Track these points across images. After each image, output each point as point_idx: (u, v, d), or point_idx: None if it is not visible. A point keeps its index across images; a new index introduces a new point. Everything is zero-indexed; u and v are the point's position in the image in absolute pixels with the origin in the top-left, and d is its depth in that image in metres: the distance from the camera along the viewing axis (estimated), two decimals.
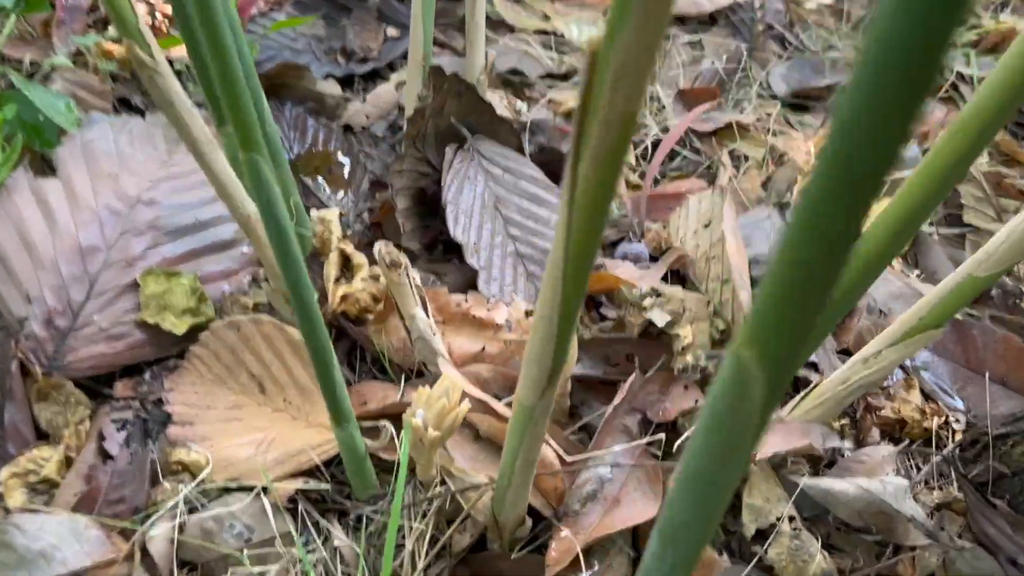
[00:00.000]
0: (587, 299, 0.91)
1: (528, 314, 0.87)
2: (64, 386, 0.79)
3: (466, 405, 0.65)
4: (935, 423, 0.92)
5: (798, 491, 0.77)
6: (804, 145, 1.29)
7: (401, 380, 0.81)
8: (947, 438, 0.92)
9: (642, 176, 1.22)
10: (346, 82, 1.27)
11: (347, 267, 0.85)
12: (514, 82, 1.32)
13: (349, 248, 0.84)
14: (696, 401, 0.78)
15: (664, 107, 1.31)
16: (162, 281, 0.87)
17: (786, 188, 1.17)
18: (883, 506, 0.78)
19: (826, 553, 0.76)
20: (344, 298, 0.81)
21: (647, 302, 0.80)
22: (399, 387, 0.80)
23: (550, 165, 1.01)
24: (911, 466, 0.88)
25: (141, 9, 0.96)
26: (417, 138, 0.91)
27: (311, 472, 0.76)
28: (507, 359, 0.86)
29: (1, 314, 0.83)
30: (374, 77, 1.29)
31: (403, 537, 0.72)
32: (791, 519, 0.77)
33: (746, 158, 1.25)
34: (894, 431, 0.93)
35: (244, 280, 0.93)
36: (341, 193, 1.05)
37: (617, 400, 0.76)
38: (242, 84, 0.49)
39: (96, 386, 0.83)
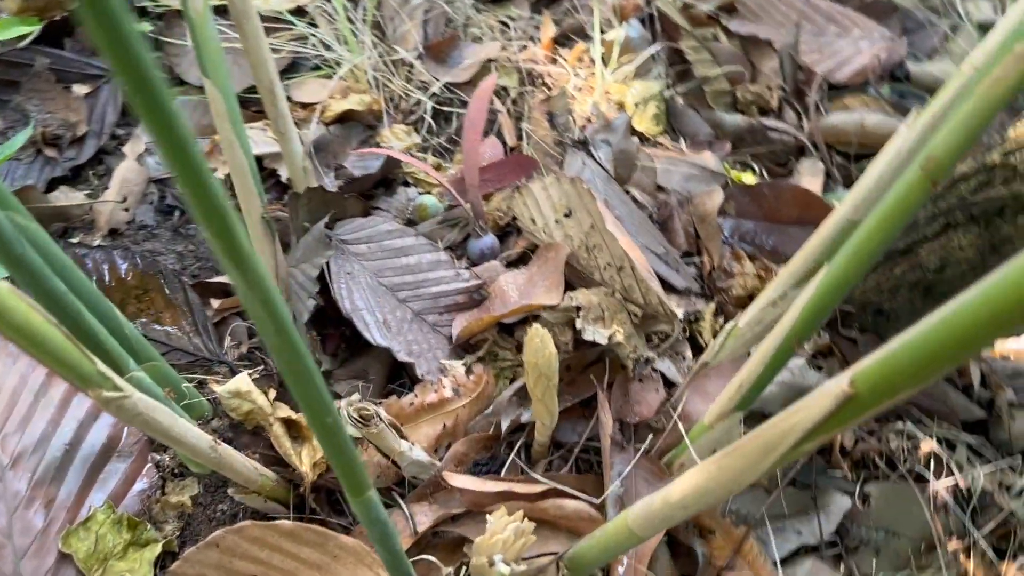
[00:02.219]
0: (501, 328, 0.95)
1: (468, 370, 0.90)
2: None
3: (530, 526, 0.70)
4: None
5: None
6: (540, 51, 1.34)
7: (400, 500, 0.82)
8: None
9: (437, 153, 1.21)
10: (73, 177, 1.06)
11: (292, 427, 0.80)
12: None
13: (287, 412, 0.79)
14: (657, 391, 0.88)
15: (412, 66, 1.27)
16: (84, 534, 0.77)
17: (568, 120, 1.23)
18: (798, 388, 0.97)
19: None
20: (316, 463, 0.78)
21: (579, 325, 0.87)
22: (408, 515, 0.81)
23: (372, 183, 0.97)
24: None
25: None
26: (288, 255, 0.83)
27: None
28: (466, 422, 0.89)
29: None
30: (100, 158, 1.10)
31: None
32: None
33: (504, 90, 1.27)
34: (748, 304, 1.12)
35: (152, 477, 0.84)
36: (176, 329, 0.94)
37: (606, 424, 0.84)
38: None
39: None
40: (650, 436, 0.87)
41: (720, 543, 0.89)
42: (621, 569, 0.79)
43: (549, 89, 1.25)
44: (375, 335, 0.85)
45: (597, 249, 0.94)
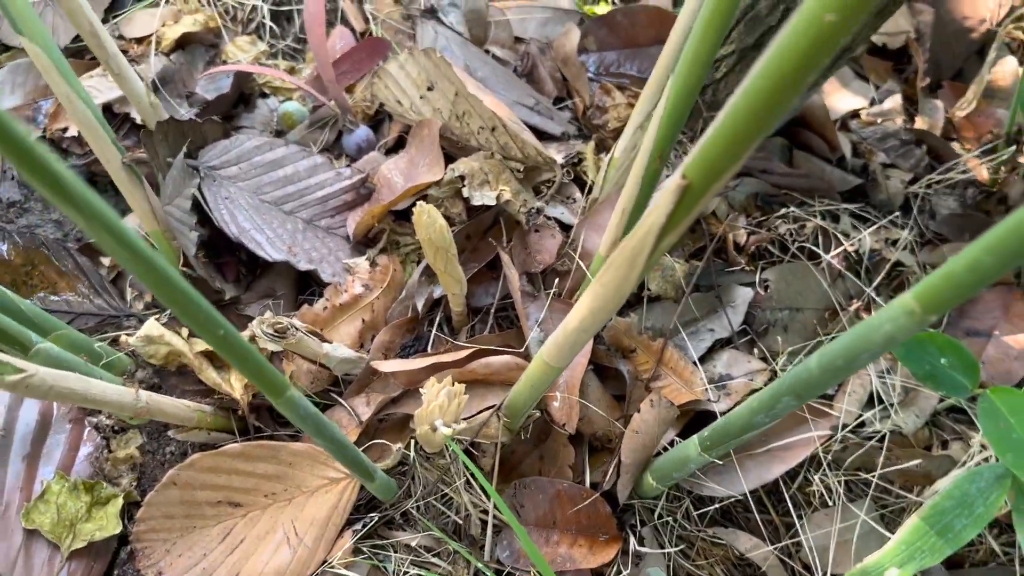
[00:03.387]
0: (396, 216, 0.97)
1: (372, 264, 0.92)
2: None
3: (460, 387, 0.75)
4: None
5: None
6: None
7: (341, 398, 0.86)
8: None
9: (287, 56, 1.18)
10: None
11: (213, 357, 0.83)
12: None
13: (203, 344, 0.81)
14: (554, 236, 0.93)
15: None
16: (44, 507, 0.80)
17: None
18: None
19: (672, 258, 1.01)
20: (246, 384, 0.81)
21: (466, 192, 0.90)
22: (349, 410, 0.85)
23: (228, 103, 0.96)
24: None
25: None
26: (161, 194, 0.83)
27: (349, 521, 0.84)
28: (384, 312, 0.93)
29: None
30: None
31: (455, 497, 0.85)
32: None
33: None
34: None
35: (95, 439, 0.86)
36: (74, 295, 0.93)
37: (513, 279, 0.88)
38: None
39: None
40: (556, 280, 0.92)
41: (642, 358, 0.96)
42: (556, 403, 0.86)
43: None
44: (269, 251, 0.86)
45: (467, 115, 0.96)
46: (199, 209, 0.85)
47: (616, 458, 0.86)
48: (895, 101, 1.34)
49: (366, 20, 1.18)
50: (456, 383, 0.74)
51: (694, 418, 0.93)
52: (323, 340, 0.82)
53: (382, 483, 0.78)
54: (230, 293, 0.88)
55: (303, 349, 0.79)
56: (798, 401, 0.57)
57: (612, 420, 0.92)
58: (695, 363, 0.97)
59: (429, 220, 0.75)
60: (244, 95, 1.11)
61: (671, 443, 0.88)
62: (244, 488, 0.83)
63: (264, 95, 1.12)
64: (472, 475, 0.85)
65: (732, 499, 0.87)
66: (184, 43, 1.11)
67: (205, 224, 0.86)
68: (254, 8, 1.17)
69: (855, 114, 1.32)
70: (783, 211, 1.09)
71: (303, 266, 0.88)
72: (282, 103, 1.10)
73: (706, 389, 0.94)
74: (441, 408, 0.73)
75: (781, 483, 0.93)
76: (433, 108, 0.98)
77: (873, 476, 0.92)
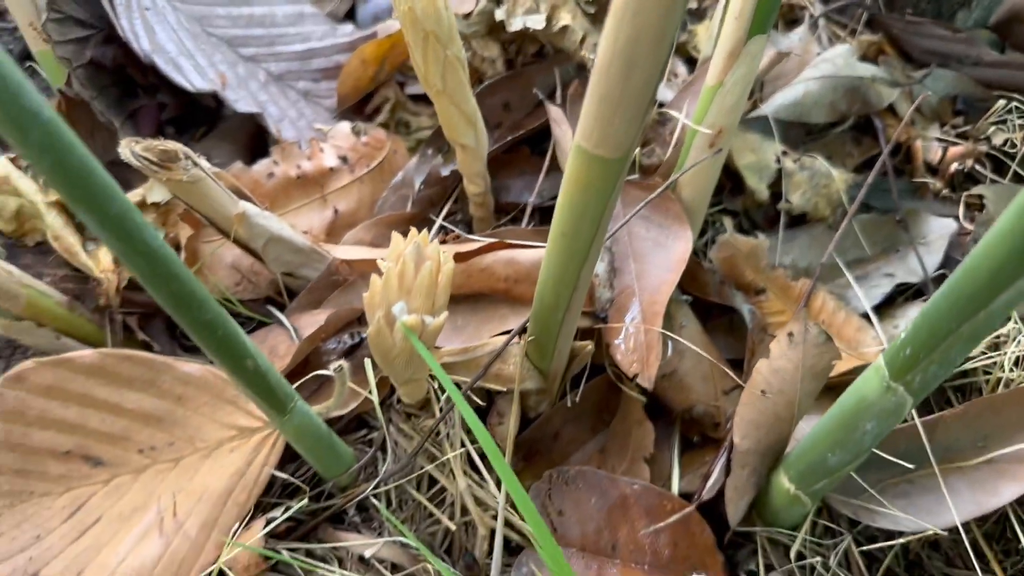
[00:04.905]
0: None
1: (356, 132, 0.62)
2: None
3: (450, 251, 0.43)
4: None
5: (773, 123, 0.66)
6: None
7: (280, 314, 0.55)
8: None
9: None
10: None
11: (81, 224, 0.54)
12: None
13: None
14: None
15: None
16: None
17: None
18: (846, 81, 0.68)
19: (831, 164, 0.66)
20: (118, 260, 0.52)
21: (499, 15, 0.59)
22: (287, 324, 0.54)
23: None
24: (820, 36, 0.79)
25: None
26: None
27: (262, 507, 0.51)
28: (372, 201, 0.62)
29: None
30: None
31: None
32: (784, 153, 0.66)
33: None
34: None
35: None
36: None
37: (561, 140, 0.56)
38: None
39: None
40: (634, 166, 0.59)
41: (774, 304, 0.61)
42: (621, 341, 0.51)
43: None
44: (192, 79, 0.58)
45: None
46: (105, 19, 0.58)
47: (727, 444, 0.50)
48: None
49: None
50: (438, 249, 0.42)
51: None
52: (245, 199, 0.51)
53: (306, 429, 0.45)
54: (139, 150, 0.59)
55: (201, 201, 0.49)
56: None
57: (721, 391, 0.57)
58: (867, 317, 0.60)
59: None
60: None
61: None
62: (108, 434, 0.52)
63: None
64: (476, 448, 0.51)
65: (925, 536, 0.50)
66: None
67: (112, 42, 0.59)
68: None
69: None
70: (999, 116, 0.72)
71: (243, 106, 0.59)
72: None
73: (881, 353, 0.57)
74: (404, 280, 0.41)
75: (1011, 514, 0.54)
76: None
77: None
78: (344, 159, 0.61)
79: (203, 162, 0.49)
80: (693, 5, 0.76)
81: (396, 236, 0.42)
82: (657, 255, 0.56)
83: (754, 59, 0.49)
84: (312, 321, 0.55)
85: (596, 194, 0.36)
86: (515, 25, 0.59)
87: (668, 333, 0.52)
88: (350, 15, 0.80)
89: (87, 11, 0.59)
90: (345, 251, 0.53)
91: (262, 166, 0.57)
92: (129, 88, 0.61)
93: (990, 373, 0.58)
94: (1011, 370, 0.57)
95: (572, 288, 0.42)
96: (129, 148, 0.47)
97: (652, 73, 0.30)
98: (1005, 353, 0.57)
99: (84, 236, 0.53)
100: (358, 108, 0.68)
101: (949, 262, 0.65)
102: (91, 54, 0.58)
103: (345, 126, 0.62)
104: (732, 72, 0.49)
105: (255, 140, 0.64)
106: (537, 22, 0.58)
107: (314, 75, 0.68)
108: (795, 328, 0.48)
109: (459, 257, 0.52)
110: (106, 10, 0.56)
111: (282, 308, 0.56)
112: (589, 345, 0.51)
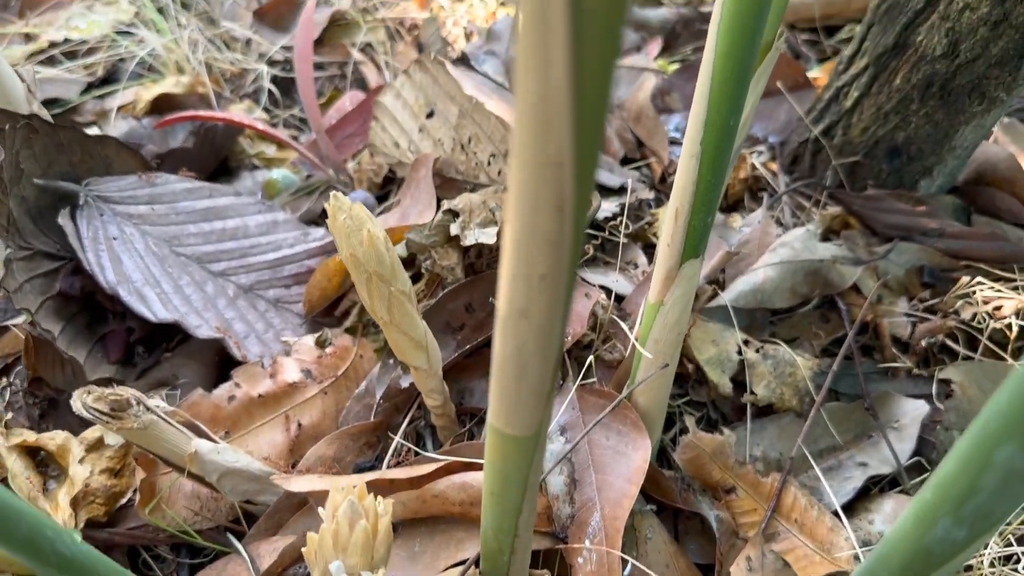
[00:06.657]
0: None
1: (320, 344, 0.64)
2: None
3: (388, 504, 0.43)
4: (746, 170, 0.86)
5: (731, 312, 0.67)
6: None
7: (240, 546, 0.55)
8: (770, 175, 0.88)
9: (289, 126, 0.99)
10: None
11: (41, 463, 0.55)
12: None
13: (25, 437, 0.54)
14: (587, 295, 0.62)
15: (250, 41, 1.07)
16: None
17: (442, 45, 1.02)
18: (806, 265, 0.70)
19: (793, 351, 0.67)
20: (76, 502, 0.52)
21: (454, 229, 0.62)
22: (245, 555, 0.54)
23: (188, 161, 0.75)
24: (784, 210, 0.82)
25: None
26: (10, 229, 0.60)
27: None
28: (336, 411, 0.63)
29: None
30: None
31: None
32: (746, 343, 0.67)
33: (370, 46, 1.07)
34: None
35: None
36: None
37: None
38: None
39: None
40: (593, 363, 0.60)
41: (745, 503, 0.60)
42: (582, 559, 0.51)
43: (408, 28, 1.05)
44: (155, 309, 0.60)
45: (474, 141, 0.70)
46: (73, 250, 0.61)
47: None
48: None
49: (385, 80, 0.98)
50: (405, 507, 0.43)
51: None
52: (202, 435, 0.53)
53: None
54: (106, 374, 0.61)
55: (155, 444, 0.50)
56: None
57: None
58: (837, 514, 0.59)
59: (351, 224, 0.48)
60: (229, 167, 0.91)
61: None
62: None
63: (255, 167, 0.92)
64: None
65: None
66: (162, 107, 0.94)
67: (80, 272, 0.62)
68: (256, 77, 1.00)
69: None
70: (966, 289, 0.73)
71: (204, 332, 0.61)
72: (270, 172, 0.89)
73: (857, 556, 0.56)
74: (340, 538, 0.42)
75: None
76: (434, 140, 0.74)
77: None
78: (307, 372, 0.62)
79: (156, 402, 0.50)
80: (650, 196, 0.79)
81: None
82: (618, 464, 0.56)
83: (690, 281, 0.50)
84: (272, 548, 0.55)
85: (515, 466, 0.37)
86: (469, 239, 0.61)
87: (627, 557, 0.52)
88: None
89: (56, 243, 0.62)
90: (298, 483, 0.53)
91: (223, 390, 0.59)
92: (99, 313, 0.64)
93: None
94: None
95: (512, 536, 0.42)
96: (80, 400, 0.49)
97: (544, 372, 0.31)
98: None
99: (45, 476, 0.54)
100: (328, 311, 0.71)
101: (923, 446, 0.65)
102: (60, 285, 0.61)
103: (309, 340, 0.64)
104: (671, 293, 0.51)
105: (222, 355, 0.66)
106: (489, 236, 0.61)
107: (285, 281, 0.70)
108: (752, 554, 0.48)
109: (412, 483, 0.53)
110: (74, 243, 0.60)
111: (242, 536, 0.56)
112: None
